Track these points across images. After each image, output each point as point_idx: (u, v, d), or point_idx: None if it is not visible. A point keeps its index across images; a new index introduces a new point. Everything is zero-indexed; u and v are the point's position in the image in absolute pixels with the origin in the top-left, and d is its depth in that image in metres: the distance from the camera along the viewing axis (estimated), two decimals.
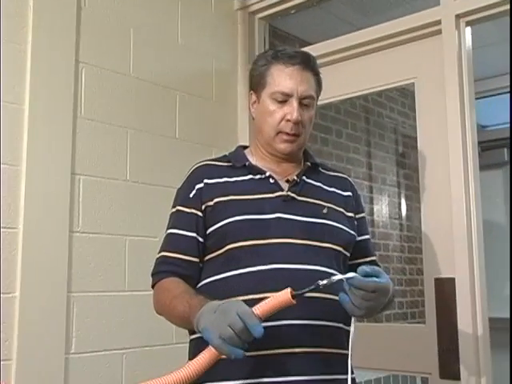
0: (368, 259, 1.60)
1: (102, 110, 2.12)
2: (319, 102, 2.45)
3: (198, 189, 1.50)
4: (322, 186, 1.57)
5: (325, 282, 1.21)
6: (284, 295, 1.17)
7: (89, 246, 2.02)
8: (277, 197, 1.48)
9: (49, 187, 1.92)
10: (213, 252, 1.46)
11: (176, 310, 1.36)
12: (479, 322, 2.01)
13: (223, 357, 1.17)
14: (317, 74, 1.57)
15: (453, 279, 2.06)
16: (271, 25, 2.94)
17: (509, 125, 3.66)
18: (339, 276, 1.24)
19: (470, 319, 2.00)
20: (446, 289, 2.08)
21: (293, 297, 1.17)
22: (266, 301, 1.18)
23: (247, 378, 1.34)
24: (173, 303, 1.38)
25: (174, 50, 2.42)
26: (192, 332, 1.46)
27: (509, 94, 3.58)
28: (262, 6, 2.72)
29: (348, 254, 1.52)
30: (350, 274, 1.24)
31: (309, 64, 1.54)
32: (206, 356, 1.17)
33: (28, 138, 1.88)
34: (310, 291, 1.21)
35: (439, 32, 2.19)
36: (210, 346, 1.17)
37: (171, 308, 1.38)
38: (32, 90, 1.91)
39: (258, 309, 1.17)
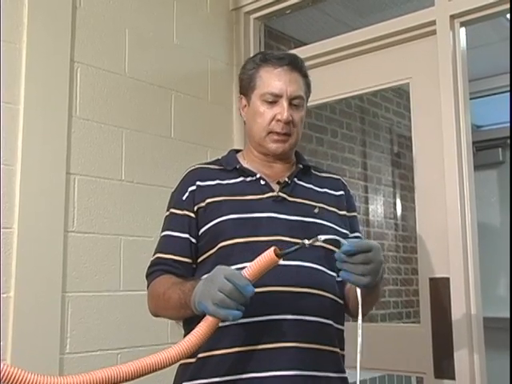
0: None
1: (97, 110, 2.12)
2: (314, 102, 2.49)
3: (190, 191, 1.52)
4: (314, 187, 1.58)
5: (310, 241, 1.22)
6: (268, 254, 1.19)
7: (84, 245, 2.02)
8: (268, 197, 1.50)
9: (44, 187, 1.92)
10: (205, 252, 1.48)
11: (171, 300, 1.37)
12: (473, 321, 2.01)
13: (223, 324, 1.21)
14: (305, 76, 1.58)
15: (447, 279, 2.07)
16: (266, 25, 2.93)
17: (509, 124, 3.67)
18: (326, 236, 1.24)
19: (465, 319, 2.01)
20: (440, 288, 2.09)
21: (278, 256, 1.19)
22: (252, 263, 1.20)
23: (236, 374, 1.35)
24: (166, 294, 1.39)
25: (170, 49, 2.42)
26: (188, 331, 1.47)
27: (508, 94, 3.59)
28: (257, 6, 2.72)
29: None
30: (342, 241, 1.24)
31: (297, 65, 1.55)
32: (204, 326, 1.19)
33: (23, 137, 1.88)
34: (295, 251, 1.23)
35: (434, 32, 2.20)
36: (207, 316, 1.19)
37: (166, 300, 1.39)
38: (27, 89, 1.91)
39: (246, 271, 1.19)
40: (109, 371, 1.06)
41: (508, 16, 2.83)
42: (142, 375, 1.11)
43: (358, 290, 1.26)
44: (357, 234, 1.61)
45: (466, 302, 2.02)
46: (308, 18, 3.09)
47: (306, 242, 1.22)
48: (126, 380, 1.09)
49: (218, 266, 1.25)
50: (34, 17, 1.95)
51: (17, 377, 0.96)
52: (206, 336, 1.18)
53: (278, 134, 1.51)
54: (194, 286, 1.28)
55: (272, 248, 1.19)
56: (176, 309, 1.37)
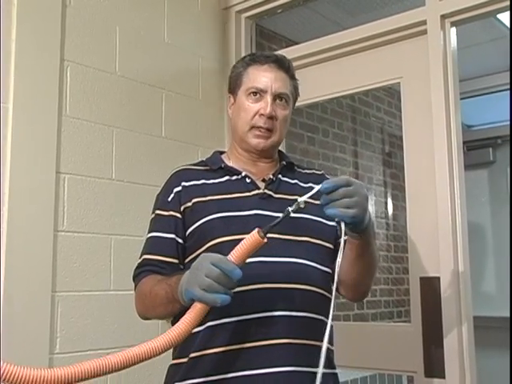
0: None
1: (87, 109, 2.11)
2: (306, 102, 2.50)
3: (176, 192, 1.52)
4: (299, 183, 1.59)
5: (292, 207, 1.21)
6: (253, 236, 1.18)
7: (74, 245, 2.01)
8: (254, 195, 1.50)
9: (33, 186, 1.91)
10: (193, 252, 1.47)
11: (158, 296, 1.36)
12: (464, 320, 2.02)
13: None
14: (292, 77, 1.59)
15: (438, 278, 2.07)
16: (258, 24, 2.93)
17: (509, 122, 3.66)
18: (304, 197, 1.23)
19: (455, 318, 2.02)
20: (431, 288, 2.09)
21: (263, 235, 1.18)
22: (238, 246, 1.19)
23: (230, 372, 1.34)
24: (153, 292, 1.38)
25: (160, 48, 2.41)
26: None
27: (509, 92, 3.59)
28: (248, 5, 2.71)
29: (331, 246, 1.52)
30: (317, 187, 1.23)
31: (284, 65, 1.56)
32: (192, 313, 1.18)
33: (12, 136, 1.87)
34: (279, 223, 1.21)
35: (425, 32, 2.20)
36: (195, 303, 1.18)
37: (153, 297, 1.38)
38: (16, 88, 1.89)
39: (232, 255, 1.19)
40: (97, 362, 1.06)
41: (498, 16, 2.85)
42: (131, 365, 1.11)
43: (343, 225, 1.24)
44: None
45: (457, 301, 2.02)
46: (299, 17, 3.09)
47: (290, 208, 1.21)
48: (115, 370, 1.08)
49: (203, 254, 1.25)
50: (23, 15, 1.94)
51: (17, 375, 0.95)
52: (194, 323, 1.18)
53: (260, 129, 1.52)
54: (179, 278, 1.27)
55: (256, 230, 1.18)
56: (163, 305, 1.36)
